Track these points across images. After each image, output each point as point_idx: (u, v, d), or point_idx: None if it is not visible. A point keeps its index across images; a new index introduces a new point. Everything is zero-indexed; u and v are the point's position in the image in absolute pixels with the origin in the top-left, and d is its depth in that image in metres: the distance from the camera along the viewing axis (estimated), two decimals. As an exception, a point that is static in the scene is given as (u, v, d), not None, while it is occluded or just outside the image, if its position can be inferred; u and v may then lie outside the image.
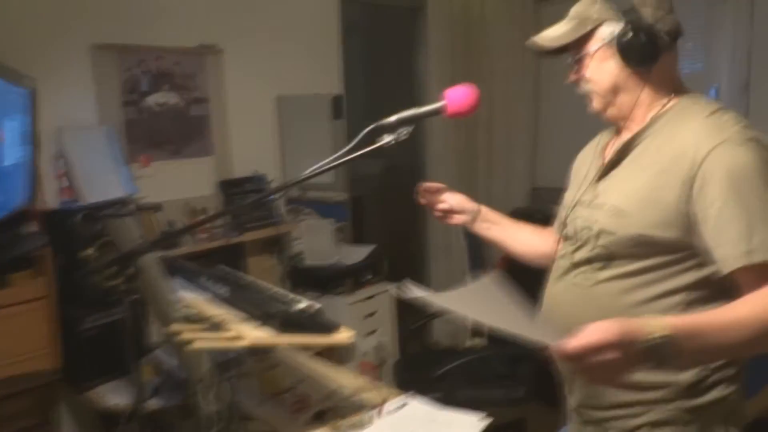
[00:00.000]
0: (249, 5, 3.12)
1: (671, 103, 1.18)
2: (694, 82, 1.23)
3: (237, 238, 2.89)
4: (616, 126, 1.27)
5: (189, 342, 1.32)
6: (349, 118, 3.38)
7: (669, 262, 1.12)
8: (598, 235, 1.19)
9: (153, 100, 2.82)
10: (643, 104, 1.19)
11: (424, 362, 2.75)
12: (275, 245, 3.20)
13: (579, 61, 1.22)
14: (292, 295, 1.55)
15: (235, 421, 1.53)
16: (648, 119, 1.19)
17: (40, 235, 2.25)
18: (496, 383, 2.55)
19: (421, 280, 4.05)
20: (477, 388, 2.50)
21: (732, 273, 1.03)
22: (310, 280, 3.17)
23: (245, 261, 3.01)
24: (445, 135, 3.86)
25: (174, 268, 1.76)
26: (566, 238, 1.28)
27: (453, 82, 1.23)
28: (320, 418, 1.57)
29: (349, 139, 1.17)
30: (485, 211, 1.49)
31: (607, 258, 1.18)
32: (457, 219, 1.48)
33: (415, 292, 0.97)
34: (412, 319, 3.04)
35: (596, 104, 1.24)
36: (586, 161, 1.34)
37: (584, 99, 1.27)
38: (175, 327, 1.42)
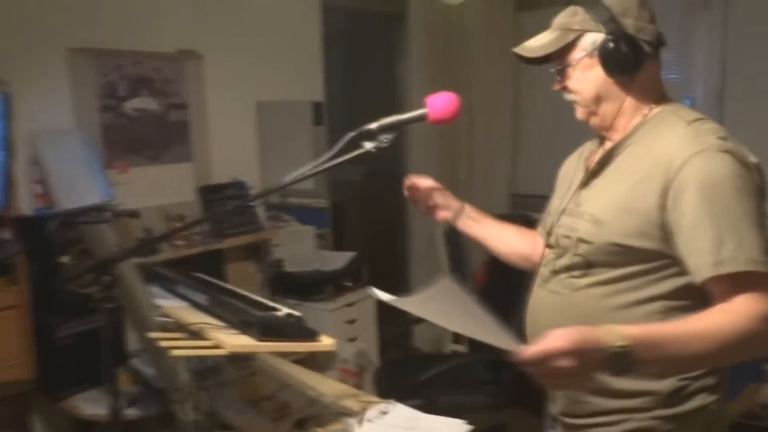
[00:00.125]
0: (229, 11, 3.11)
1: (653, 112, 1.20)
2: (670, 91, 1.25)
3: (216, 245, 2.86)
4: (600, 135, 1.29)
5: (167, 350, 1.30)
6: (329, 125, 3.38)
7: (648, 270, 1.13)
8: (577, 243, 1.20)
9: (131, 105, 2.78)
10: (626, 113, 1.21)
11: (405, 369, 2.74)
12: (255, 252, 3.18)
13: (562, 71, 1.23)
14: (271, 303, 1.54)
15: (213, 430, 1.51)
16: (630, 128, 1.20)
17: (14, 242, 2.21)
18: (477, 389, 2.55)
19: (402, 286, 4.05)
20: (458, 394, 2.50)
21: (703, 283, 1.05)
22: (291, 286, 3.15)
23: (225, 268, 2.98)
24: (426, 142, 3.87)
25: (152, 276, 1.74)
26: (550, 246, 1.29)
27: (433, 90, 1.23)
28: (301, 426, 1.55)
29: (330, 145, 1.16)
30: (469, 209, 1.50)
31: (586, 266, 1.19)
32: (442, 215, 1.48)
33: (381, 296, 0.97)
34: (393, 326, 3.03)
35: (580, 114, 1.25)
36: (571, 169, 1.35)
37: (563, 107, 1.28)
38: (153, 335, 1.40)
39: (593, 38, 1.18)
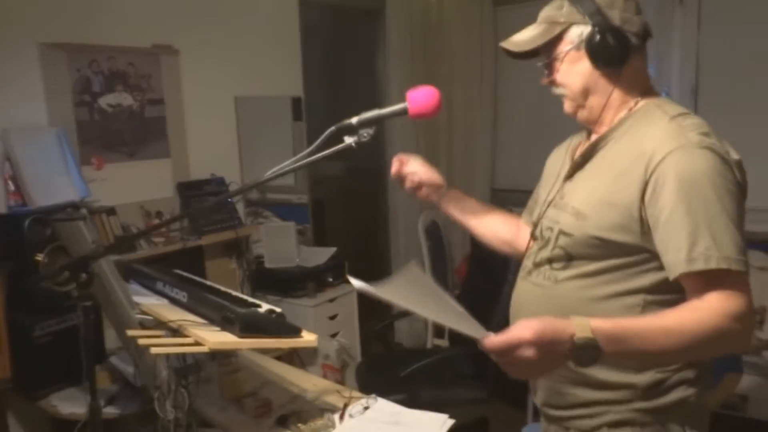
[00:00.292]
0: (206, 5, 3.07)
1: (638, 105, 1.20)
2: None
3: (195, 242, 2.84)
4: (587, 128, 1.29)
5: (147, 348, 1.29)
6: (308, 120, 3.36)
7: (628, 264, 1.14)
8: (558, 236, 1.21)
9: (106, 101, 2.74)
10: (612, 106, 1.21)
11: (387, 364, 2.74)
12: (235, 248, 3.16)
13: (550, 65, 1.23)
14: (253, 299, 1.53)
15: (194, 428, 1.50)
16: (615, 121, 1.20)
17: (-14, 240, 2.17)
18: (459, 383, 2.56)
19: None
20: (440, 389, 2.51)
21: (677, 279, 1.05)
22: (271, 283, 3.14)
23: (204, 265, 2.95)
24: (406, 137, 3.87)
25: (130, 273, 1.72)
26: (534, 238, 1.30)
27: (412, 84, 1.22)
28: (283, 422, 1.55)
29: (309, 141, 1.15)
30: (454, 190, 1.50)
31: (566, 258, 1.19)
32: (426, 192, 1.47)
33: (356, 284, 0.97)
34: (375, 321, 3.03)
35: (567, 107, 1.25)
36: (559, 160, 1.35)
37: (543, 102, 1.28)
38: (132, 333, 1.38)
39: (580, 31, 1.17)
